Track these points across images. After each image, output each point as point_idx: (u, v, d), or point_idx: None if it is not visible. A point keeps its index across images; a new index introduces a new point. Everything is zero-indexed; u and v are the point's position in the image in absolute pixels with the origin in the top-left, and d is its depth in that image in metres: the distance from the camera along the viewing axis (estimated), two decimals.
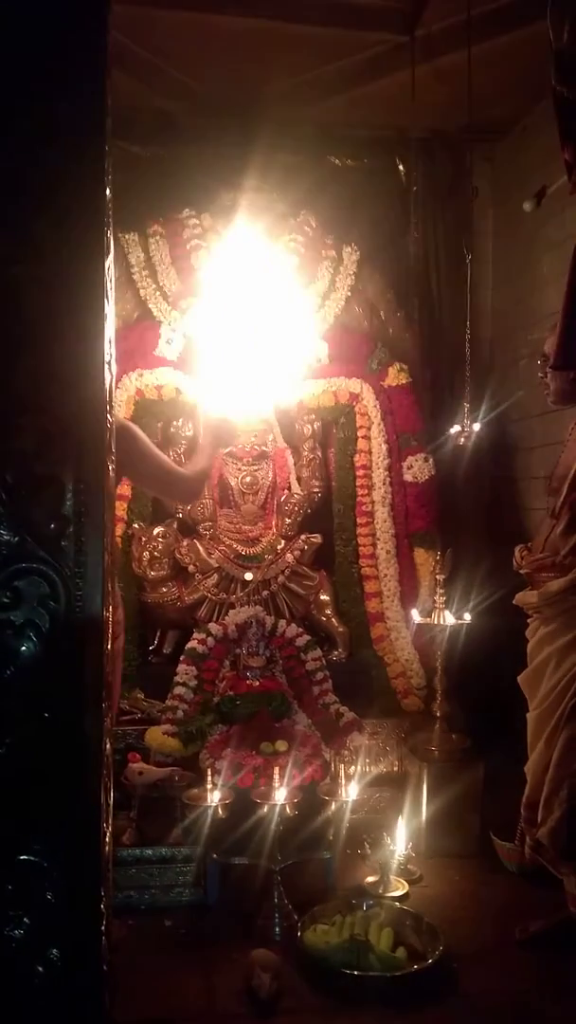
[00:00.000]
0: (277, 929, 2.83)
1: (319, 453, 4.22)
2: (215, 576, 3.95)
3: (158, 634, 4.05)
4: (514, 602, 2.89)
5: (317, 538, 4.08)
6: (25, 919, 1.27)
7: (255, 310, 3.03)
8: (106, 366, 1.28)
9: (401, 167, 4.49)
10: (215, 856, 2.97)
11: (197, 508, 4.02)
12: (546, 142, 3.82)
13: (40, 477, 1.22)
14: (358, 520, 4.12)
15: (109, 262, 1.31)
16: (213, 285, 3.51)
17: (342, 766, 3.08)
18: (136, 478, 2.81)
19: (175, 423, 4.07)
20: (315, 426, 4.21)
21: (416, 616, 3.72)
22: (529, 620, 2.86)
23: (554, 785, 2.64)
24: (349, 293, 4.13)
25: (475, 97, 3.47)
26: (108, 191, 1.30)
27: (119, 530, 3.82)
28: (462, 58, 3.45)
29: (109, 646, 1.32)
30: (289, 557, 4.01)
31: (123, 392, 3.87)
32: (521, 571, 2.88)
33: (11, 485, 1.21)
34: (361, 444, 4.15)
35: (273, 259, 3.61)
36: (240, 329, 2.99)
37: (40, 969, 1.28)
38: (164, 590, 3.91)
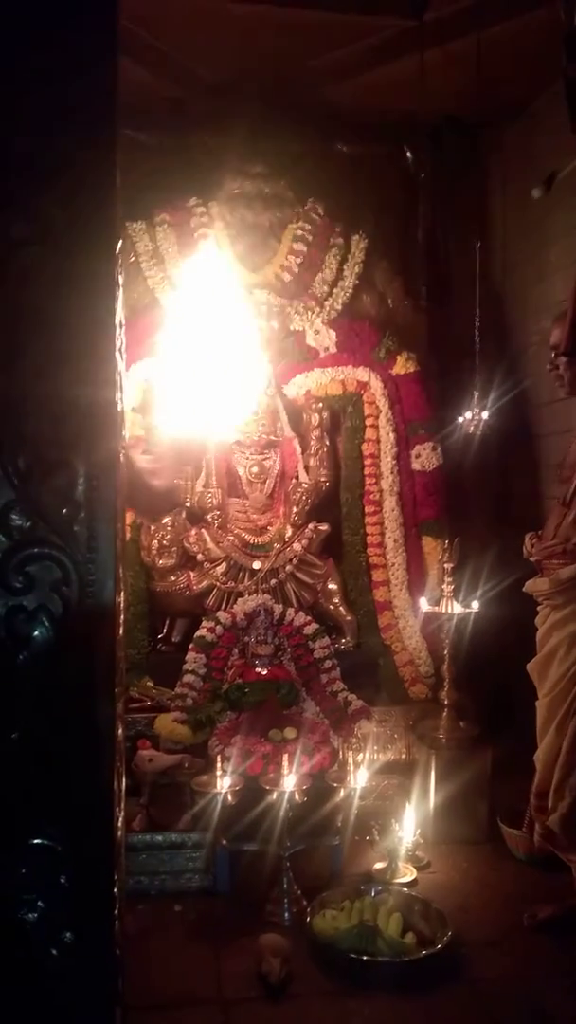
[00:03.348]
0: (286, 914, 2.85)
1: (327, 442, 4.21)
2: (223, 565, 3.96)
3: (167, 622, 4.06)
4: (524, 590, 2.89)
5: (325, 527, 4.09)
6: (39, 903, 1.28)
7: (214, 336, 2.92)
8: (117, 351, 1.27)
9: (409, 154, 4.46)
10: (225, 842, 2.99)
11: (205, 497, 4.03)
12: (556, 127, 3.79)
13: (52, 462, 1.22)
14: (366, 509, 4.12)
15: (119, 248, 1.30)
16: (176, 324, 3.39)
17: (350, 753, 3.10)
18: None
19: None
20: (323, 415, 4.19)
21: (424, 604, 3.72)
22: (539, 608, 2.86)
23: (564, 772, 2.64)
24: (357, 281, 4.12)
25: (484, 82, 3.45)
26: (118, 176, 1.29)
27: (128, 518, 3.83)
28: (471, 43, 3.43)
29: (121, 632, 1.32)
30: (297, 546, 4.02)
31: (132, 381, 3.86)
32: (531, 559, 2.88)
33: (23, 470, 1.21)
34: (369, 433, 4.15)
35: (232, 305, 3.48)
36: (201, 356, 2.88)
37: (54, 952, 1.29)
38: (173, 579, 3.92)
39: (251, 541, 4.02)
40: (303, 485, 4.10)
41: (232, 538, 4.00)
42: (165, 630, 4.06)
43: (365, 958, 2.50)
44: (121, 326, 1.32)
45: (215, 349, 2.67)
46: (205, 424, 3.02)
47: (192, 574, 3.95)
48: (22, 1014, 1.29)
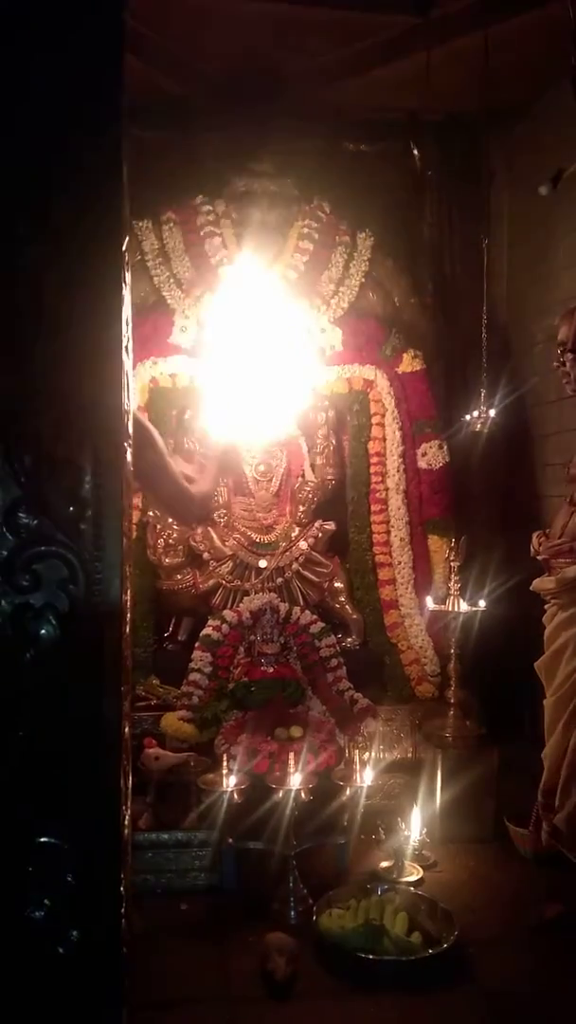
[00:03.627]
0: (292, 913, 2.85)
1: (333, 440, 4.20)
2: (229, 563, 3.95)
3: (173, 621, 4.06)
4: (531, 588, 2.88)
5: (331, 525, 4.08)
6: (45, 901, 1.28)
7: (259, 339, 2.86)
8: (123, 350, 1.27)
9: (416, 151, 4.44)
10: (231, 841, 2.99)
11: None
12: (563, 123, 3.78)
13: (58, 460, 1.22)
14: (372, 507, 4.12)
15: (125, 247, 1.30)
16: (220, 319, 3.31)
17: (356, 752, 3.09)
18: (143, 484, 2.53)
19: (189, 411, 4.06)
20: (329, 413, 4.19)
21: (430, 603, 3.72)
22: (546, 606, 2.86)
23: (571, 770, 2.64)
24: (363, 279, 4.11)
25: (490, 79, 3.44)
26: (125, 175, 1.29)
27: (134, 517, 3.83)
28: (477, 40, 3.41)
29: (127, 630, 1.32)
30: (303, 544, 4.01)
31: (137, 380, 3.87)
32: (538, 557, 2.87)
33: (29, 468, 1.21)
34: (375, 431, 4.14)
35: (272, 288, 3.42)
36: (246, 360, 2.83)
37: (60, 951, 1.29)
38: (179, 577, 3.92)
39: (257, 540, 4.01)
40: (309, 483, 4.09)
41: (238, 536, 4.00)
42: (171, 628, 4.06)
43: (371, 957, 2.50)
44: (127, 325, 1.32)
45: (258, 356, 2.67)
46: (249, 430, 3.01)
47: (198, 572, 3.95)
48: (29, 1012, 1.29)
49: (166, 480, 2.44)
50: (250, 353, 2.73)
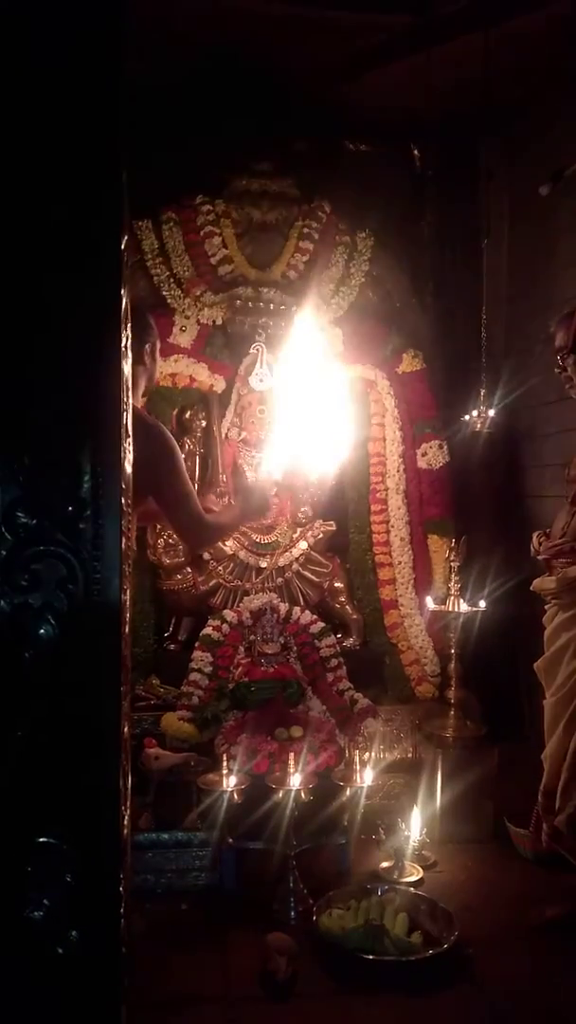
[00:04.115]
0: (292, 913, 2.85)
1: None
2: (230, 563, 3.95)
3: (173, 621, 4.06)
4: (532, 588, 2.88)
5: (331, 525, 4.08)
6: (45, 901, 1.28)
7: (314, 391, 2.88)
8: (123, 349, 1.27)
9: (416, 151, 4.44)
10: (231, 841, 2.99)
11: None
12: (563, 124, 3.78)
13: (57, 460, 1.22)
14: (372, 507, 4.12)
15: (124, 246, 1.30)
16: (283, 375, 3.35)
17: (357, 752, 3.09)
18: (156, 497, 2.47)
19: (189, 411, 4.06)
20: None
21: (430, 603, 3.72)
22: (547, 606, 2.85)
23: (572, 772, 2.63)
24: (363, 279, 4.10)
25: (490, 79, 3.43)
26: (124, 174, 1.29)
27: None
28: (477, 40, 3.41)
29: (127, 630, 1.32)
30: (303, 544, 4.01)
31: None
32: (539, 557, 2.87)
33: (28, 467, 1.21)
34: (375, 431, 4.14)
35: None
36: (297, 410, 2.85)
37: (60, 951, 1.29)
38: (179, 577, 3.92)
39: (257, 539, 4.01)
40: (310, 484, 4.09)
41: (239, 536, 3.99)
42: (171, 628, 4.06)
43: (371, 957, 2.50)
44: (126, 325, 1.32)
45: (311, 407, 2.71)
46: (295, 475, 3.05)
47: (198, 572, 3.95)
48: (28, 1012, 1.29)
49: (177, 489, 2.42)
50: (304, 403, 2.77)
